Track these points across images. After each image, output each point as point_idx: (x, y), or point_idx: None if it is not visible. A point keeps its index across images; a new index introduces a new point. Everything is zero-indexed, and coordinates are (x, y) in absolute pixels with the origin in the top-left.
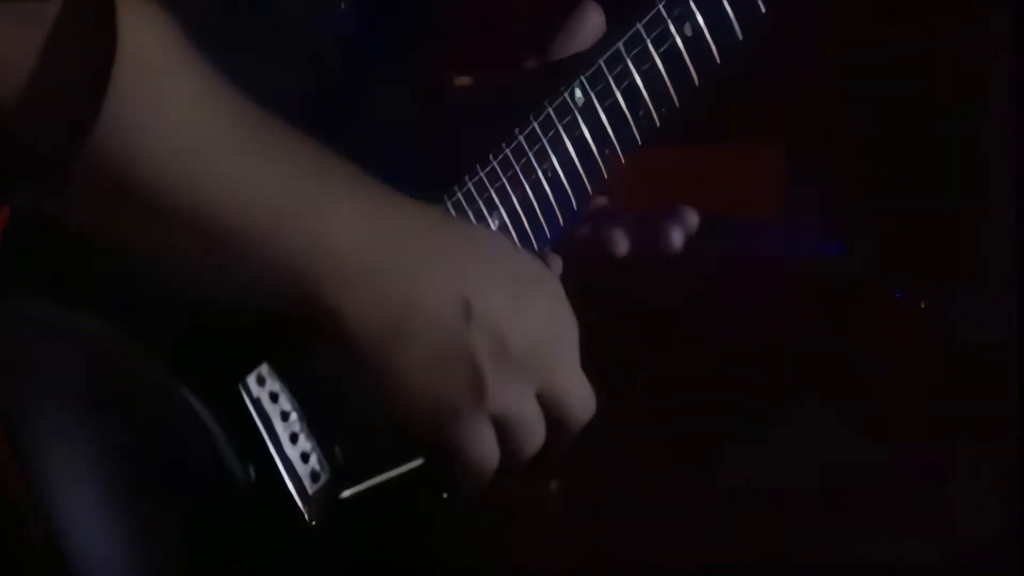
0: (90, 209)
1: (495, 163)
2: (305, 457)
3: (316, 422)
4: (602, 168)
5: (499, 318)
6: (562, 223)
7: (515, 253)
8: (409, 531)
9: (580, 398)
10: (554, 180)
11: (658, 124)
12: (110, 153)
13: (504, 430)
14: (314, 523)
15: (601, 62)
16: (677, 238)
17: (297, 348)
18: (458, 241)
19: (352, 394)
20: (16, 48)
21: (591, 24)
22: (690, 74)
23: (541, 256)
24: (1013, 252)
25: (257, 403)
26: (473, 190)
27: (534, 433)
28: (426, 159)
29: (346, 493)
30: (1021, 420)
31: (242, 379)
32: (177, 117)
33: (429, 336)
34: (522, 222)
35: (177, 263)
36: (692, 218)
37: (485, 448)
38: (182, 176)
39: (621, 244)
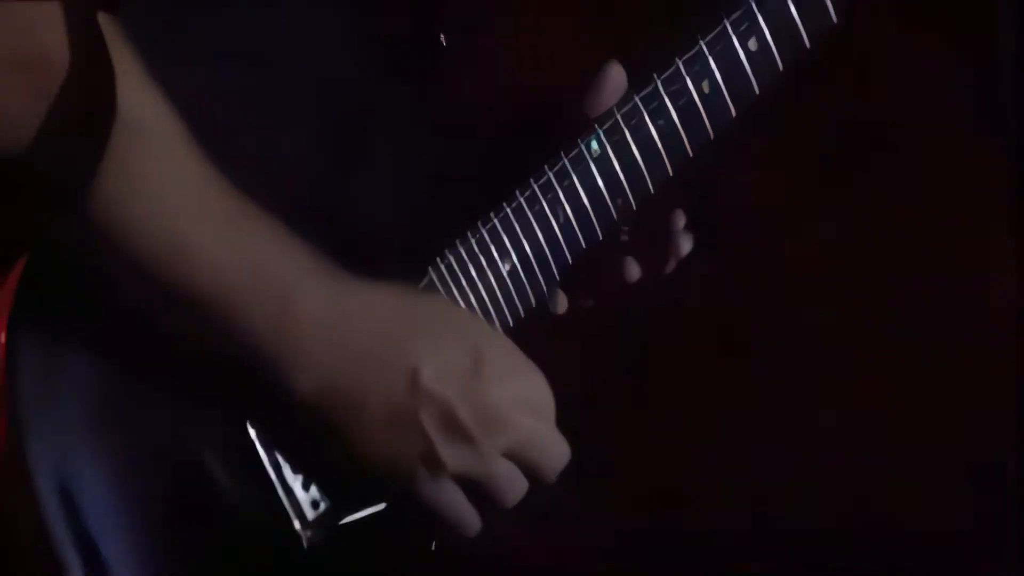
0: (90, 256)
1: (508, 210)
2: (307, 486)
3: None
4: (613, 214)
5: (448, 390)
6: (571, 264)
7: (472, 325)
8: (406, 559)
9: (551, 453)
10: (566, 226)
11: (671, 174)
12: (105, 216)
13: (474, 489)
14: (311, 546)
15: (618, 115)
16: (687, 247)
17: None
18: (410, 318)
19: (319, 450)
20: (27, 120)
21: (613, 84)
22: (706, 128)
23: (549, 295)
24: (1013, 252)
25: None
26: (486, 236)
27: (510, 485)
28: (439, 207)
29: (345, 520)
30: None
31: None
32: (169, 194)
33: (380, 408)
34: (532, 266)
35: (162, 318)
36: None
37: (454, 505)
38: (164, 246)
39: (633, 270)
